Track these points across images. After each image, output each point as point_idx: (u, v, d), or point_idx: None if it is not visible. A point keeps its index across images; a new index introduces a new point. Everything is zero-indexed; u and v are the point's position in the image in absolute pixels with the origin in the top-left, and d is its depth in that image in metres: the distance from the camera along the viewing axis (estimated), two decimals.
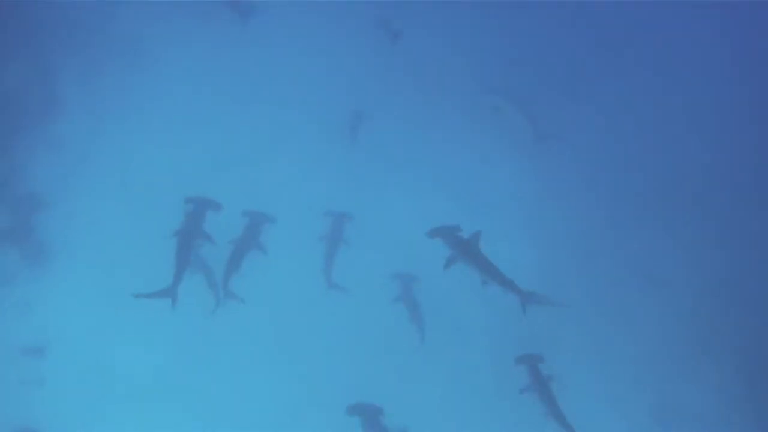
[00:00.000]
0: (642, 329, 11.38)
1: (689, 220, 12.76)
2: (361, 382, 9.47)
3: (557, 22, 14.95)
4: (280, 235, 10.37)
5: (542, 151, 13.13)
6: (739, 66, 14.94)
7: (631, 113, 14.08)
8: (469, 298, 10.30)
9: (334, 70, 13.23)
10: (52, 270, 10.31)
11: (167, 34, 12.66)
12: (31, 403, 9.36)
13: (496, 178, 12.77)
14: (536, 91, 13.82)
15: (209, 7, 12.83)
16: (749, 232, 12.69)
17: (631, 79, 14.45)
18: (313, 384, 9.83)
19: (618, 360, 11.02)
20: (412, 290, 10.55)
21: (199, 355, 10.05)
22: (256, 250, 9.97)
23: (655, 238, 12.47)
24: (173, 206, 9.90)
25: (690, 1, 15.00)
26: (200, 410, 9.57)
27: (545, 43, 14.70)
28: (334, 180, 11.93)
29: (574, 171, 13.17)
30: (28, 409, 9.29)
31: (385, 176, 12.23)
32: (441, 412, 9.95)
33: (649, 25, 15.03)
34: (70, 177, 11.10)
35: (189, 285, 9.54)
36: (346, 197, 11.48)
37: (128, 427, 9.29)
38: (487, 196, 12.42)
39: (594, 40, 14.74)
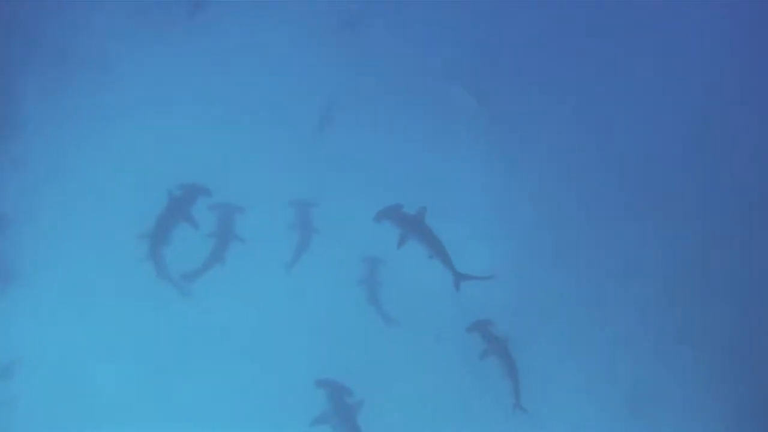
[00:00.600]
0: (616, 319, 11.46)
1: (663, 211, 12.83)
2: (334, 367, 9.44)
3: (537, 14, 14.98)
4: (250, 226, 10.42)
5: (518, 147, 13.22)
6: (721, 64, 14.97)
7: (606, 107, 14.10)
8: (442, 291, 10.31)
9: (300, 67, 13.26)
10: (17, 289, 10.21)
11: (131, 50, 12.63)
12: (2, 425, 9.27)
13: (469, 174, 12.81)
14: (512, 85, 13.89)
15: (173, 23, 12.85)
16: (723, 222, 12.79)
17: (609, 73, 14.46)
18: (291, 379, 9.81)
19: (593, 351, 11.10)
20: (377, 273, 10.73)
21: (172, 367, 9.99)
22: (235, 240, 10.03)
23: (629, 228, 12.56)
24: (139, 223, 9.76)
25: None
26: (177, 422, 9.52)
27: (519, 35, 14.71)
28: (299, 172, 12.00)
29: (546, 163, 13.23)
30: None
31: (351, 169, 12.32)
32: (410, 398, 10.17)
33: (631, 21, 15.06)
34: (34, 195, 11.02)
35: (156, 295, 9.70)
36: (312, 189, 11.59)
37: None
38: (460, 192, 12.47)
39: (571, 34, 14.75)
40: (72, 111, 11.95)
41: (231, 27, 13.28)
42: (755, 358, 11.31)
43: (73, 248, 10.63)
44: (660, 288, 11.88)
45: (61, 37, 12.46)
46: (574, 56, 14.45)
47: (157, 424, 9.51)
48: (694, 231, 12.64)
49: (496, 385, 9.22)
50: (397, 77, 13.55)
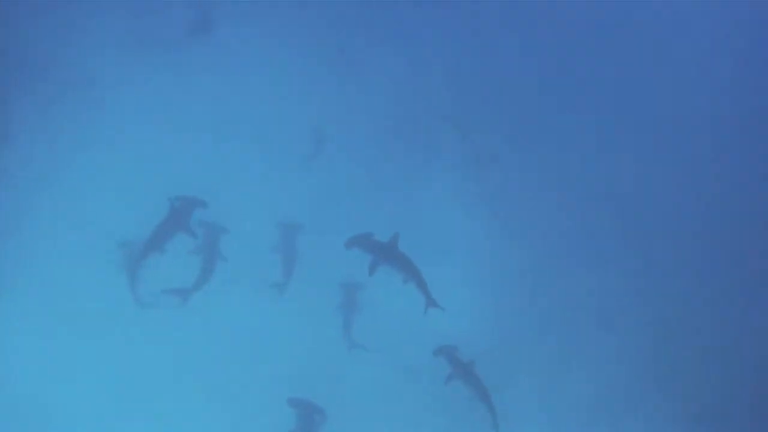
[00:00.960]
0: (595, 369, 11.46)
1: (646, 260, 12.83)
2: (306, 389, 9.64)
3: (527, 54, 14.93)
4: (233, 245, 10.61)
5: (501, 190, 13.25)
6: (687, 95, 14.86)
7: (595, 153, 14.01)
8: (421, 330, 10.32)
9: (293, 95, 13.28)
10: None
11: (123, 67, 12.63)
12: None
13: (451, 214, 12.83)
14: (499, 127, 13.91)
15: (168, 42, 12.94)
16: (698, 271, 12.82)
17: (597, 118, 14.36)
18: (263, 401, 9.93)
19: (570, 400, 11.12)
20: (356, 299, 10.84)
21: (147, 385, 10.04)
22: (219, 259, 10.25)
23: (611, 276, 12.54)
24: (121, 242, 10.33)
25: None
26: None
27: (508, 77, 14.58)
28: (287, 197, 12.07)
29: (530, 208, 13.21)
30: None
31: (337, 198, 12.37)
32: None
33: (622, 60, 14.94)
34: (19, 209, 11.06)
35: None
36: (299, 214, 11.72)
37: None
38: (441, 232, 12.47)
39: (562, 75, 14.67)
40: (62, 126, 11.95)
41: (227, 49, 13.34)
42: (736, 412, 11.35)
43: (54, 265, 10.65)
44: (640, 339, 11.88)
45: (54, 50, 12.45)
46: (562, 99, 14.46)
47: None
48: (676, 282, 12.64)
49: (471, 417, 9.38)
50: (388, 114, 13.61)
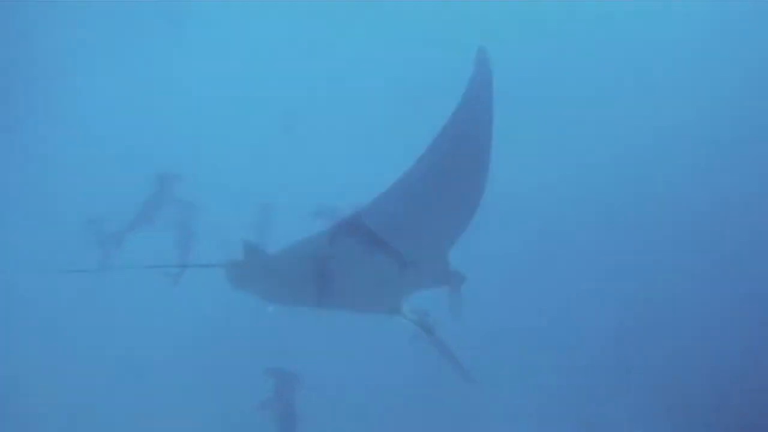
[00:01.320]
0: (565, 352, 11.65)
1: (609, 243, 13.15)
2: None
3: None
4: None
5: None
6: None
7: (559, 143, 14.54)
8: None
9: (267, 74, 13.53)
10: None
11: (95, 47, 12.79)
12: None
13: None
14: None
15: (142, 21, 13.10)
16: (668, 253, 13.11)
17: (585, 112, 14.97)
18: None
19: (546, 382, 11.25)
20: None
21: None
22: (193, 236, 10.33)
23: (578, 259, 12.83)
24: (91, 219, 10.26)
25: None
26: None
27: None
28: (260, 174, 12.16)
29: (512, 186, 13.19)
30: None
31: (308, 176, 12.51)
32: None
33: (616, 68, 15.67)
34: None
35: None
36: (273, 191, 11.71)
37: None
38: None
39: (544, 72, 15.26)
40: (27, 115, 12.02)
41: (205, 28, 13.53)
42: (710, 404, 11.57)
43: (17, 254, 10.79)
44: (616, 333, 12.08)
45: (17, 43, 12.54)
46: (544, 90, 15.05)
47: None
48: (641, 263, 12.91)
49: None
50: (363, 92, 13.85)
